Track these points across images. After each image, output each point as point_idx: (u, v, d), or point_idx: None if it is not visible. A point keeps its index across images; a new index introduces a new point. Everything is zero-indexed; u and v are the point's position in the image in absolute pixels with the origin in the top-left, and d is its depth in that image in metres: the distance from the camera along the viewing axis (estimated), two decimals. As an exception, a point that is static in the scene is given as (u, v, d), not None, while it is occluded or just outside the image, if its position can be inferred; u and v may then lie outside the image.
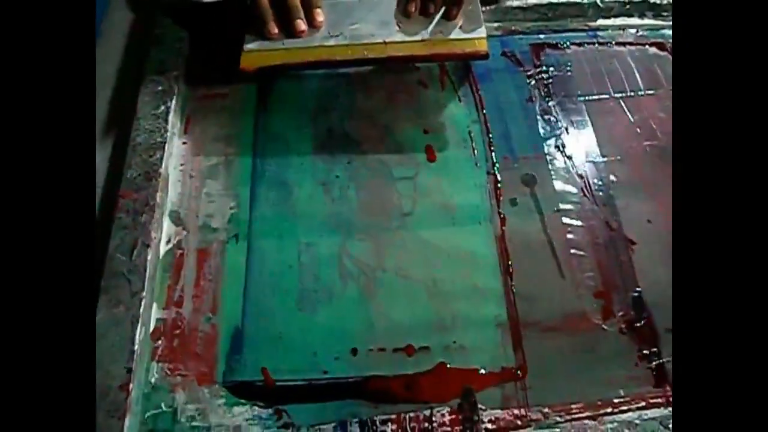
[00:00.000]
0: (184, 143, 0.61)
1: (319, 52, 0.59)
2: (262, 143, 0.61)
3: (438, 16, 0.60)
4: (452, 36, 0.60)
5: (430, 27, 0.60)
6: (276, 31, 0.59)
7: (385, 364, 0.50)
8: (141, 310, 0.49)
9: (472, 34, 0.60)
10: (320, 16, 0.60)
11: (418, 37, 0.60)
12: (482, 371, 0.50)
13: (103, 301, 0.50)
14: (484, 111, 0.63)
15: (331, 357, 0.50)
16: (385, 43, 0.59)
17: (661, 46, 0.69)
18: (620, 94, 0.65)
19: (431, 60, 0.61)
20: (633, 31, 0.71)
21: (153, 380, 0.49)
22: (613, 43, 0.69)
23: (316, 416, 0.48)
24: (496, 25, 0.70)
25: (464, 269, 0.55)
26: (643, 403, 0.49)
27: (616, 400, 0.49)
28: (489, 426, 0.48)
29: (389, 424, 0.48)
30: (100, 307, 0.49)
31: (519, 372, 0.50)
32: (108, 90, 0.63)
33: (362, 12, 0.62)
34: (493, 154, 0.61)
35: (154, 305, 0.52)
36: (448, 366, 0.50)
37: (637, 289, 0.54)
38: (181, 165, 0.60)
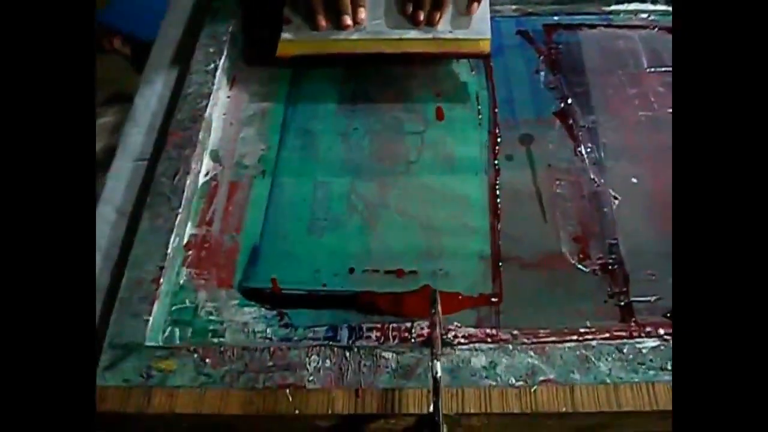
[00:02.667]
0: (228, 97, 0.71)
1: (345, 45, 0.69)
2: (293, 101, 0.70)
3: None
4: (460, 36, 0.68)
5: (440, 25, 0.68)
6: (324, 24, 0.69)
7: (376, 283, 0.57)
8: (176, 222, 0.59)
9: (478, 35, 0.68)
10: (362, 13, 0.69)
11: (429, 35, 0.68)
12: (461, 295, 0.56)
13: (146, 215, 0.60)
14: (493, 79, 0.70)
15: (331, 274, 0.58)
16: (401, 39, 0.68)
17: (669, 30, 0.74)
18: (624, 70, 0.71)
19: (439, 56, 0.69)
20: (645, 15, 0.76)
21: (181, 281, 0.59)
22: (624, 26, 0.75)
23: (312, 320, 0.56)
24: (513, 7, 0.77)
25: (457, 210, 0.61)
26: (607, 335, 0.54)
27: (582, 330, 0.54)
28: (462, 340, 0.54)
29: (374, 331, 0.55)
30: (143, 219, 0.59)
31: (495, 299, 0.56)
32: (170, 50, 0.75)
33: (383, 9, 0.70)
34: (497, 116, 0.67)
35: (189, 223, 0.62)
36: (432, 288, 0.57)
37: (615, 237, 0.59)
38: (224, 114, 0.70)
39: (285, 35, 0.69)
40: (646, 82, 0.70)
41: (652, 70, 0.71)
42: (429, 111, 0.68)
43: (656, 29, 0.74)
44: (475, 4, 0.68)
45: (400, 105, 0.69)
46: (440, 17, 0.67)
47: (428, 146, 0.66)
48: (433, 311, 0.49)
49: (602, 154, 0.64)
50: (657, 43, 0.73)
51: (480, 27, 0.67)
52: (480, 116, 0.68)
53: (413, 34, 0.68)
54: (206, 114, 0.66)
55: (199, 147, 0.64)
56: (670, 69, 0.70)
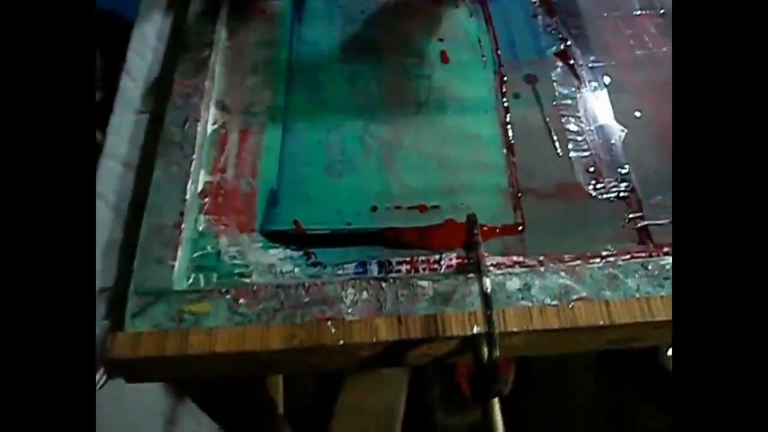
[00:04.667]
0: (228, 48, 0.70)
1: None
2: (296, 49, 0.69)
3: None
4: None
5: None
6: None
7: (400, 219, 0.57)
8: (192, 169, 0.58)
9: None
10: None
11: None
12: (486, 227, 0.57)
13: (159, 163, 0.58)
14: (493, 24, 0.71)
15: (353, 212, 0.58)
16: None
17: (655, -24, 0.77)
18: (617, 13, 0.73)
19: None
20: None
21: (200, 228, 0.57)
22: (613, -27, 0.77)
23: (340, 257, 0.55)
24: (506, -46, 0.78)
25: (471, 147, 0.62)
26: (628, 256, 0.56)
27: (604, 253, 0.56)
28: (492, 269, 0.55)
29: (404, 264, 0.55)
30: (156, 167, 0.58)
31: (518, 228, 0.57)
32: (159, 5, 0.73)
33: None
34: (500, 57, 0.68)
35: (202, 171, 0.60)
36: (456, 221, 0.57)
37: (626, 166, 0.61)
38: (226, 64, 0.68)
39: None
40: (639, 23, 0.72)
41: (644, 12, 0.73)
42: (433, 55, 0.69)
43: (642, -25, 0.77)
44: None
45: (403, 50, 0.69)
46: None
47: (436, 88, 0.66)
48: (476, 232, 0.50)
49: (605, 90, 0.66)
50: (645, -13, 0.76)
51: None
52: (484, 58, 0.69)
53: None
54: (210, 62, 0.65)
55: (205, 96, 0.63)
56: (661, 12, 0.73)
